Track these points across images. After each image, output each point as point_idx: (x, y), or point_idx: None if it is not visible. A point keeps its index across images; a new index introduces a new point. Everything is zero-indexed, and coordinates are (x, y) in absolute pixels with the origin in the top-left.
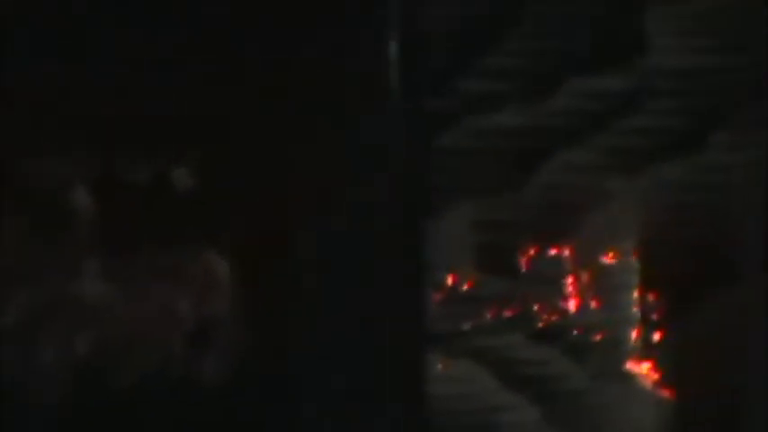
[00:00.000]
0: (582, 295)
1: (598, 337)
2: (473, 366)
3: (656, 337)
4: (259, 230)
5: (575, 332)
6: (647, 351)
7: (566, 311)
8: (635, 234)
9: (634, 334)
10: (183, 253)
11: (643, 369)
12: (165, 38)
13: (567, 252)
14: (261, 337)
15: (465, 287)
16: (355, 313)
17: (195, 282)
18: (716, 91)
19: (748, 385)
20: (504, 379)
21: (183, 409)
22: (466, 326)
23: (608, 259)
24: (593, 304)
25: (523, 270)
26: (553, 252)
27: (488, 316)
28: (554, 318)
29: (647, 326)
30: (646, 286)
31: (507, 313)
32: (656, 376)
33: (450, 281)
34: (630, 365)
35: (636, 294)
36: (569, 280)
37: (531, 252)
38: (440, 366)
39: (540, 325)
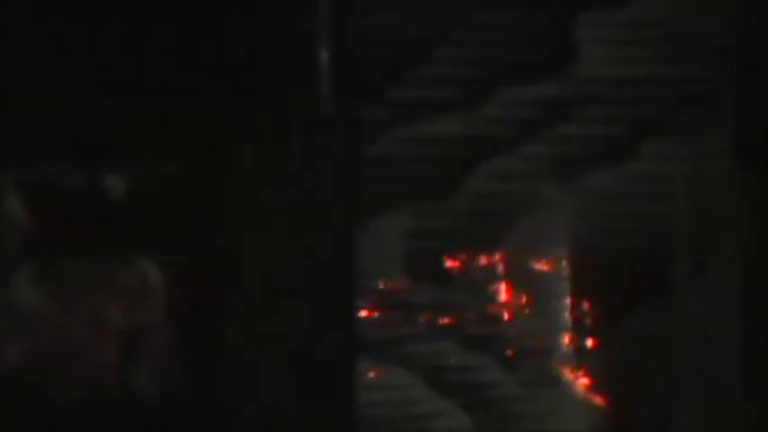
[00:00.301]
0: (514, 303)
1: (530, 345)
2: (404, 374)
3: (589, 344)
4: (192, 238)
5: (507, 339)
6: (579, 358)
7: (498, 319)
8: (567, 242)
9: (566, 341)
10: (116, 261)
11: (575, 376)
12: (95, 39)
13: (498, 259)
14: (194, 347)
15: (397, 295)
16: (288, 321)
17: (128, 290)
18: (648, 100)
19: (680, 393)
20: (436, 386)
21: (116, 422)
22: (397, 333)
23: (540, 267)
24: (525, 311)
25: (455, 277)
26: (485, 259)
27: (420, 323)
28: (486, 325)
29: (580, 333)
30: (578, 294)
31: (439, 320)
32: (588, 383)
33: (381, 288)
34: (563, 373)
35: (568, 302)
36: (501, 287)
37: (463, 259)
38: (371, 374)
39: (472, 332)
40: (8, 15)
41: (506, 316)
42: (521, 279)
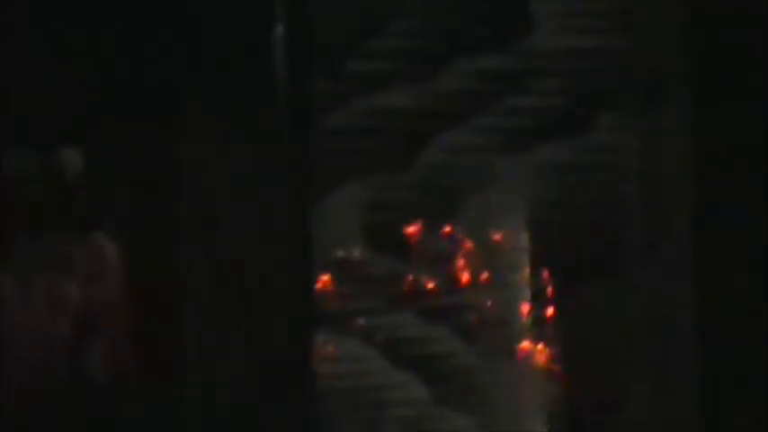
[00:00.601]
0: (472, 274)
1: (488, 316)
2: (362, 345)
3: (546, 314)
4: (147, 211)
5: (465, 311)
6: (536, 329)
7: (456, 290)
8: (523, 213)
9: (524, 312)
10: (72, 237)
11: (533, 347)
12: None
13: (456, 231)
14: (150, 322)
15: (354, 266)
16: (245, 293)
17: (84, 266)
18: (601, 72)
19: (634, 363)
20: (393, 358)
21: (71, 402)
22: (355, 305)
23: (497, 238)
24: (483, 283)
25: (413, 249)
26: (442, 231)
27: (378, 295)
28: (444, 296)
29: (537, 304)
30: (536, 265)
31: (396, 292)
32: (545, 354)
33: (339, 260)
34: (520, 343)
35: (526, 272)
36: (459, 259)
37: (421, 231)
38: (328, 346)
39: (430, 304)
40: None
41: (464, 287)
42: (478, 250)
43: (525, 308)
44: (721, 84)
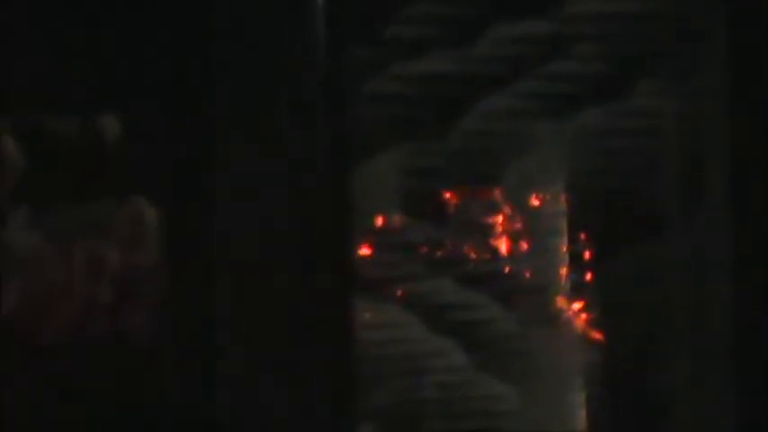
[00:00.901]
0: (511, 239)
1: (527, 281)
2: (402, 312)
3: (586, 279)
4: (188, 176)
5: (504, 276)
6: (576, 293)
7: (495, 255)
8: (562, 178)
9: (563, 277)
10: (112, 202)
11: (572, 311)
12: None
13: (495, 196)
14: (188, 287)
15: (394, 233)
16: (284, 260)
17: (124, 231)
18: (640, 37)
19: (673, 328)
20: (433, 324)
21: (109, 364)
22: (395, 272)
23: (537, 203)
24: (522, 248)
25: (452, 215)
26: (481, 197)
27: (417, 261)
28: (483, 262)
29: (577, 268)
30: (575, 229)
31: (436, 258)
32: (584, 319)
33: (378, 227)
34: (560, 308)
35: (565, 238)
36: (498, 224)
37: (460, 197)
38: (369, 312)
39: (470, 270)
40: None
41: (503, 253)
42: (517, 216)
43: (564, 273)
44: (759, 47)
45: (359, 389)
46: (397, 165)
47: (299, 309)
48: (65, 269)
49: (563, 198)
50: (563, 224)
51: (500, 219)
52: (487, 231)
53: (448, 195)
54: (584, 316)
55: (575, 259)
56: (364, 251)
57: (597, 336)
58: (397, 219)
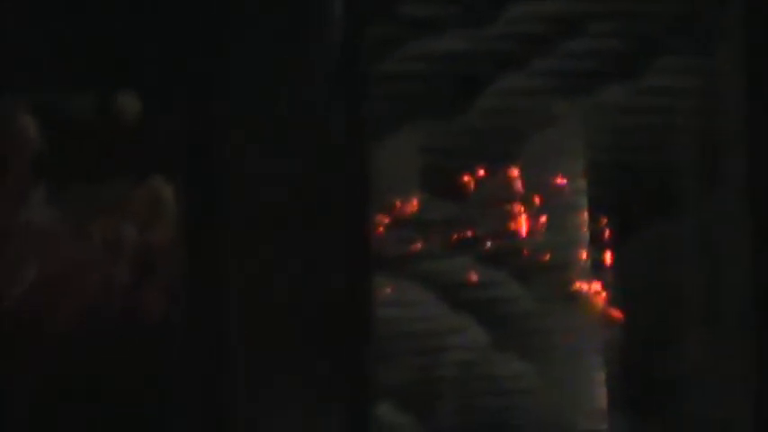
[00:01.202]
0: (530, 217)
1: (546, 259)
2: (421, 290)
3: (605, 258)
4: (204, 155)
5: (523, 255)
6: (595, 272)
7: (514, 234)
8: (581, 157)
9: (582, 255)
10: (129, 181)
11: (591, 290)
12: None
13: (514, 175)
14: (206, 265)
15: (412, 211)
16: (302, 237)
17: (141, 209)
18: (658, 15)
19: (691, 305)
20: (452, 302)
21: (128, 342)
22: (414, 249)
23: (554, 181)
24: (540, 226)
25: (471, 193)
26: (500, 175)
27: (436, 239)
28: (502, 240)
29: (596, 247)
30: (593, 208)
31: (455, 236)
32: (603, 297)
33: (397, 205)
34: (578, 287)
35: (584, 216)
36: (517, 202)
37: (479, 175)
38: (388, 290)
39: (488, 248)
40: None
41: (522, 231)
42: (536, 194)
43: (583, 251)
44: None
45: (377, 366)
46: (416, 144)
47: (316, 286)
48: (82, 248)
49: (582, 176)
50: (582, 203)
51: (518, 197)
52: (506, 210)
53: (466, 174)
54: (602, 295)
55: (594, 238)
56: (383, 229)
57: (616, 314)
58: (416, 197)
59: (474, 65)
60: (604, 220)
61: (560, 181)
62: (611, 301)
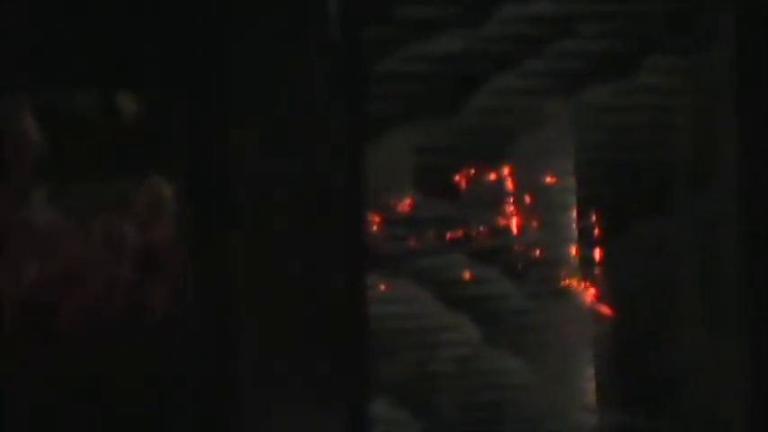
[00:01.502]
0: (521, 215)
1: (537, 256)
2: (414, 287)
3: (595, 254)
4: (204, 154)
5: (515, 252)
6: (585, 268)
7: (505, 232)
8: (572, 155)
9: (573, 252)
10: (130, 179)
11: (582, 286)
12: None
13: (505, 173)
14: (206, 263)
15: (405, 209)
16: (296, 235)
17: (142, 208)
18: (647, 14)
19: (682, 303)
20: (445, 299)
21: (130, 340)
22: (407, 247)
23: (546, 179)
24: (532, 224)
25: (463, 192)
26: (492, 174)
27: (429, 237)
28: (494, 238)
29: (586, 244)
30: (584, 206)
31: (448, 234)
32: (594, 293)
33: (391, 204)
34: (569, 283)
35: (574, 214)
36: (509, 201)
37: (471, 174)
38: (381, 287)
39: (481, 245)
40: None
41: (514, 229)
42: (527, 192)
43: (574, 248)
44: (765, 22)
45: (372, 362)
46: (410, 143)
47: (313, 284)
48: (84, 246)
49: (572, 174)
50: (572, 200)
51: (510, 195)
52: (498, 208)
53: (459, 172)
54: (593, 291)
55: (584, 235)
56: (377, 227)
57: (606, 311)
58: (409, 196)
59: (467, 65)
60: (595, 218)
61: (552, 179)
62: (602, 298)
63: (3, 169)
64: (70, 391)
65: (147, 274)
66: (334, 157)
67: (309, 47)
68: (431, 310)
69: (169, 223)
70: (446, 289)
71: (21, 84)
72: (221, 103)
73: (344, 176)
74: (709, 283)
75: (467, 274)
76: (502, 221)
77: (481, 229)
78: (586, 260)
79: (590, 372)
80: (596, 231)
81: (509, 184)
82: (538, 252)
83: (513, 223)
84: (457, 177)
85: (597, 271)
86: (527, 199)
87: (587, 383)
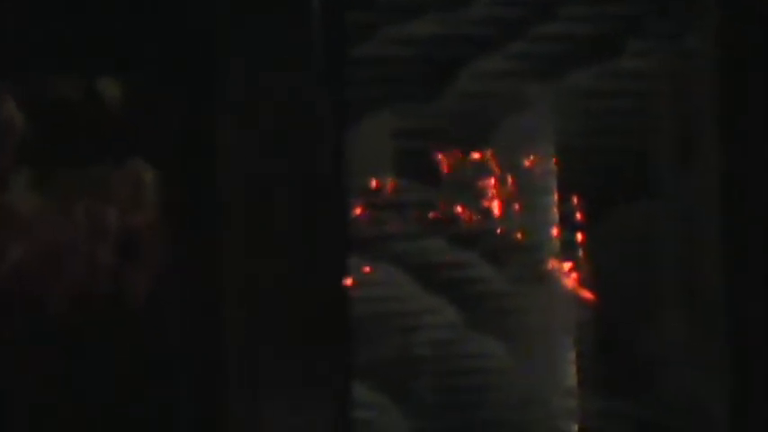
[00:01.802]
0: (502, 199)
1: (518, 241)
2: (395, 270)
3: (576, 238)
4: (186, 138)
5: (495, 235)
6: (567, 253)
7: (486, 215)
8: (553, 139)
9: (554, 236)
10: (111, 164)
11: (563, 270)
12: None
13: (486, 157)
14: (187, 247)
15: (386, 193)
16: (281, 221)
17: (123, 192)
18: None
19: (664, 286)
20: (426, 283)
21: (111, 325)
22: (387, 231)
23: (527, 163)
24: (513, 208)
25: (444, 175)
26: (473, 157)
27: (410, 221)
28: (475, 222)
29: (568, 228)
30: (565, 189)
31: (428, 218)
32: (575, 278)
33: (371, 187)
34: (550, 267)
35: (556, 197)
36: (490, 184)
37: (452, 157)
38: (362, 270)
39: (461, 229)
40: None
41: (495, 212)
42: (509, 176)
43: (555, 232)
44: (749, 7)
45: (352, 345)
46: (390, 126)
47: (295, 267)
48: (65, 231)
49: (554, 159)
50: (554, 184)
51: (491, 179)
52: (479, 192)
53: (440, 156)
54: (574, 275)
55: (565, 219)
56: (358, 211)
57: (588, 295)
58: (391, 180)
59: (448, 49)
60: (577, 202)
61: (532, 163)
62: (583, 282)
63: None
64: (52, 378)
65: (128, 260)
66: (317, 141)
67: (291, 32)
68: (412, 293)
69: (150, 209)
70: (427, 272)
71: (3, 69)
72: (205, 90)
73: (328, 160)
74: (691, 267)
75: (448, 258)
76: (483, 205)
77: (463, 212)
78: (568, 244)
79: (571, 356)
80: (578, 215)
81: (491, 168)
82: (519, 236)
83: (495, 207)
84: (438, 161)
85: (579, 255)
86: (509, 182)
87: (569, 367)
